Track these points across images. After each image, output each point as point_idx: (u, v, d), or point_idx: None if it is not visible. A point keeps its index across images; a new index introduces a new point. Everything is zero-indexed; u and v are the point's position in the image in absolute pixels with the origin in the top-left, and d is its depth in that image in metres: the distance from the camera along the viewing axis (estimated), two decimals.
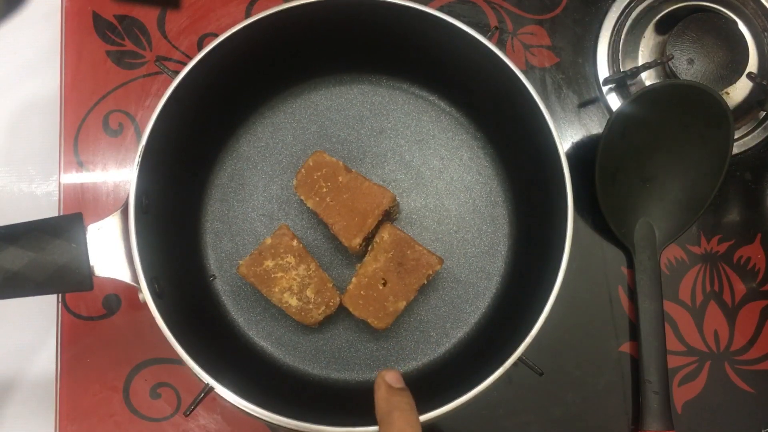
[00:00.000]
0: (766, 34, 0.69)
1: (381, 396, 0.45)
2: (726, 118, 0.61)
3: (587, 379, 0.64)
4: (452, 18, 0.56)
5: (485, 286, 0.62)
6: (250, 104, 0.64)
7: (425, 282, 0.57)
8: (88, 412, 0.62)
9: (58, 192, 0.65)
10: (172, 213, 0.58)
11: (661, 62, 0.66)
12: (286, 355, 0.61)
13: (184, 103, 0.55)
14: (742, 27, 0.68)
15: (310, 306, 0.57)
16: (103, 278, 0.51)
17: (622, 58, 0.69)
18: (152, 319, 0.51)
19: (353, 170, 0.58)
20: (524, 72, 0.55)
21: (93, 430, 0.62)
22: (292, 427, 0.50)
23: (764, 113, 0.68)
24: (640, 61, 0.68)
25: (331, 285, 0.58)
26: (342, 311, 0.59)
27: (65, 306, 0.63)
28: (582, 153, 0.67)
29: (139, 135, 0.66)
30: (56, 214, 0.65)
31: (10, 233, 0.49)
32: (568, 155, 0.54)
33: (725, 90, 0.67)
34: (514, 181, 0.64)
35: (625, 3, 0.69)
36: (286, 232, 0.58)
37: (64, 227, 0.50)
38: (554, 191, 0.55)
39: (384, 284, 0.57)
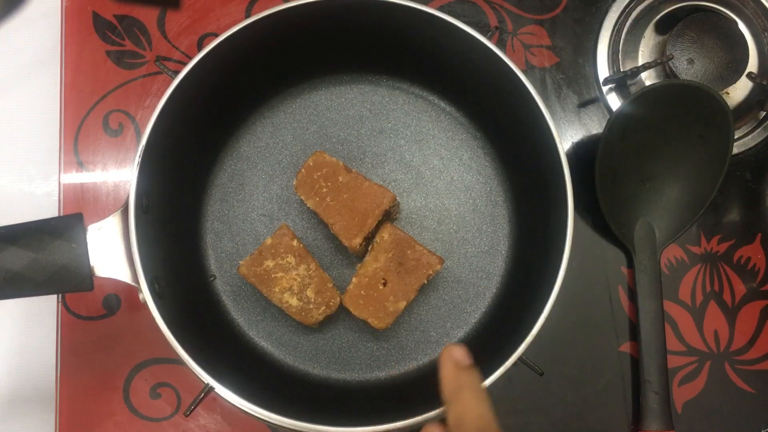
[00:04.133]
0: (766, 34, 0.69)
1: (448, 374, 0.43)
2: (726, 118, 0.61)
3: (587, 379, 0.64)
4: (452, 18, 0.56)
5: (485, 285, 0.63)
6: (250, 104, 0.64)
7: (425, 282, 0.57)
8: (88, 412, 0.62)
9: (58, 192, 0.65)
10: (172, 213, 0.58)
11: (661, 62, 0.66)
12: (286, 355, 0.61)
13: (184, 103, 0.55)
14: (742, 27, 0.68)
15: (311, 306, 0.57)
16: (104, 278, 0.51)
17: (622, 58, 0.69)
18: (152, 319, 0.51)
19: (353, 170, 0.58)
20: (524, 72, 0.55)
21: (93, 430, 0.62)
22: (292, 427, 0.50)
23: (764, 113, 0.68)
24: (640, 61, 0.68)
25: (331, 285, 0.58)
26: (342, 311, 0.59)
27: (65, 306, 0.63)
28: (582, 153, 0.67)
29: (139, 135, 0.66)
30: (56, 214, 0.65)
31: (10, 233, 0.49)
32: (568, 155, 0.54)
33: (725, 90, 0.67)
34: (514, 180, 0.64)
35: (625, 3, 0.69)
36: (286, 232, 0.58)
37: (65, 227, 0.50)
38: (554, 191, 0.55)
39: (384, 284, 0.57)
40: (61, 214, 0.64)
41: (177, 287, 0.56)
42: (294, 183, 0.58)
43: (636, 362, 0.64)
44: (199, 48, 0.67)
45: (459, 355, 0.44)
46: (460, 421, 0.40)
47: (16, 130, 0.70)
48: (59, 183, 0.65)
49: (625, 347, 0.65)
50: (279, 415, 0.50)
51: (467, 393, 0.42)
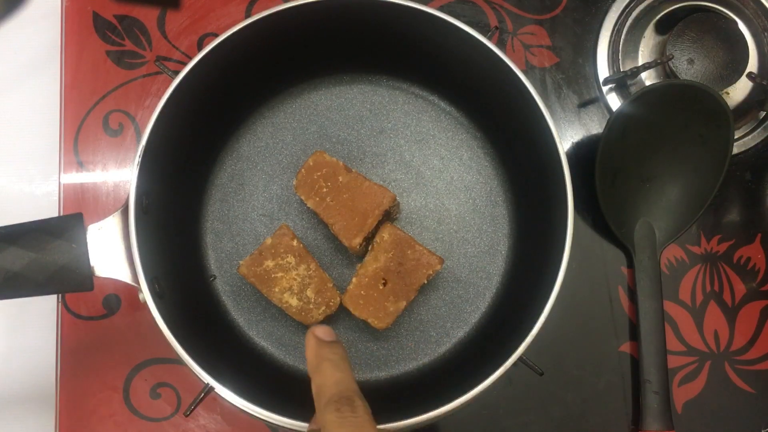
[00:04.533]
0: (766, 34, 0.69)
1: (310, 350, 0.45)
2: (726, 118, 0.61)
3: (587, 379, 0.64)
4: (452, 18, 0.55)
5: (485, 285, 0.63)
6: (250, 104, 0.64)
7: (425, 282, 0.57)
8: (88, 412, 0.62)
9: (58, 192, 0.65)
10: (172, 213, 0.58)
11: (661, 62, 0.66)
12: (286, 355, 0.61)
13: (184, 103, 0.55)
14: (742, 27, 0.68)
15: (311, 306, 0.57)
16: (104, 278, 0.51)
17: (622, 58, 0.69)
18: (152, 319, 0.51)
19: (353, 170, 0.58)
20: (524, 72, 0.55)
21: (93, 430, 0.62)
22: (292, 427, 0.50)
23: (764, 113, 0.68)
24: (640, 61, 0.68)
25: (331, 285, 0.58)
26: (342, 311, 0.59)
27: (65, 306, 0.63)
28: (582, 153, 0.67)
29: (139, 135, 0.66)
30: (56, 214, 0.65)
31: (10, 233, 0.49)
32: (568, 155, 0.54)
33: (725, 90, 0.67)
34: (514, 180, 0.64)
35: (625, 3, 0.69)
36: (286, 232, 0.58)
37: (65, 227, 0.50)
38: (554, 191, 0.55)
39: (384, 284, 0.57)
40: (61, 214, 0.64)
41: (177, 287, 0.56)
42: (294, 183, 0.58)
43: (636, 362, 0.64)
44: (199, 48, 0.67)
45: (321, 332, 0.46)
46: (320, 388, 0.42)
47: (16, 130, 0.70)
48: (59, 183, 0.65)
49: (625, 347, 0.65)
50: (279, 415, 0.50)
51: (326, 363, 0.44)
